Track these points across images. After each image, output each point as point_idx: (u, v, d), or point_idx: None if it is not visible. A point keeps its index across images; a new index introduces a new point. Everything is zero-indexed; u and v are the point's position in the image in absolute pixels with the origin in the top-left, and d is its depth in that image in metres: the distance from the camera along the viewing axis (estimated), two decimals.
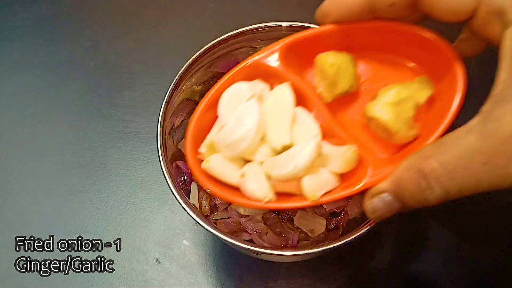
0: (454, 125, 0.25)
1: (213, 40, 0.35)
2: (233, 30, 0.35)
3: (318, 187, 0.27)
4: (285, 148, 0.28)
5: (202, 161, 0.30)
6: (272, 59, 0.29)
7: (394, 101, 0.27)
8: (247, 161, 0.29)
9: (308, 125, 0.28)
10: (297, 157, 0.26)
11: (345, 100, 0.30)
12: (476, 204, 0.41)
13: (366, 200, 0.26)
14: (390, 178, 0.24)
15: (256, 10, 0.54)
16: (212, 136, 0.30)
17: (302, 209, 0.37)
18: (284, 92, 0.29)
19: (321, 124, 0.28)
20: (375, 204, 0.25)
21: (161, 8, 0.56)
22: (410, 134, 0.27)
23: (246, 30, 0.35)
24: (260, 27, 0.35)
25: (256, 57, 0.30)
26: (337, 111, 0.30)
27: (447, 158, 0.21)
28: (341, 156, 0.27)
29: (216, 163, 0.29)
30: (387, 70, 0.30)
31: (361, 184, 0.26)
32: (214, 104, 0.30)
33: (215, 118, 0.31)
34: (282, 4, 0.53)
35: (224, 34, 0.35)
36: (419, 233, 0.42)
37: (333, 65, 0.28)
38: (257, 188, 0.28)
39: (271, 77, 0.30)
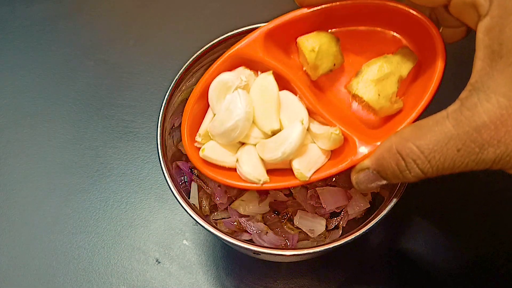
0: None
1: (213, 40, 0.35)
2: (233, 30, 0.35)
3: (307, 168, 0.29)
4: (275, 131, 0.29)
5: (199, 149, 0.31)
6: (254, 46, 0.30)
7: (376, 79, 0.28)
8: (242, 143, 0.31)
9: (295, 108, 0.30)
10: (285, 143, 0.28)
11: (331, 75, 0.31)
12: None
13: (353, 174, 0.27)
14: (373, 156, 0.26)
15: (256, 10, 0.54)
16: (205, 125, 0.32)
17: (302, 209, 0.37)
18: (267, 80, 0.30)
19: (306, 105, 0.30)
20: (360, 178, 0.27)
21: (161, 8, 0.56)
22: (394, 108, 0.28)
23: (246, 30, 0.35)
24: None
25: (238, 46, 0.31)
26: (323, 87, 0.31)
27: (425, 142, 0.23)
28: (326, 136, 0.28)
29: (212, 151, 0.31)
30: (370, 42, 0.31)
31: (347, 162, 0.28)
32: (204, 94, 0.31)
33: (206, 106, 0.32)
34: (282, 4, 0.53)
35: (224, 34, 0.35)
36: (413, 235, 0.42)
37: (313, 50, 0.29)
38: (252, 171, 0.29)
39: (255, 64, 0.31)
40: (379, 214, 0.31)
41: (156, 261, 0.42)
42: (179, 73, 0.35)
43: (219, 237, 0.31)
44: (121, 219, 0.44)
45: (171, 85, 0.35)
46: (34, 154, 0.47)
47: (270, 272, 0.41)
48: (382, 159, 0.25)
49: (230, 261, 0.41)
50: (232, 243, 0.31)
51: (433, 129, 0.23)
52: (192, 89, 0.37)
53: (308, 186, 0.38)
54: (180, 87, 0.36)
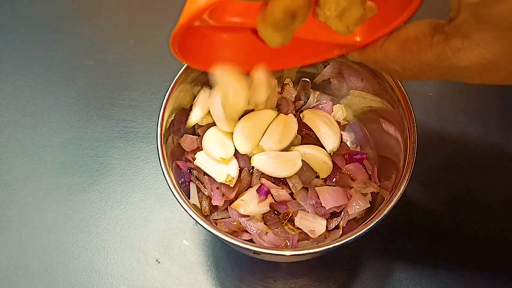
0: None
1: None
2: None
3: None
4: None
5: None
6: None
7: (337, 14, 0.26)
8: None
9: None
10: None
11: None
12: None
13: (346, 55, 0.31)
14: (361, 56, 0.29)
15: None
16: None
17: (303, 209, 0.37)
18: None
19: None
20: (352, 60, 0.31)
21: (161, 8, 0.56)
22: (367, 18, 0.27)
23: None
24: None
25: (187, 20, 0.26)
26: None
27: (409, 67, 0.25)
28: None
29: None
30: None
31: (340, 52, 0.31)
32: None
33: None
34: None
35: None
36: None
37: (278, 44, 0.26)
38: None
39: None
40: (379, 214, 0.31)
41: (156, 261, 0.42)
42: (179, 73, 0.35)
43: (219, 237, 0.31)
44: (121, 219, 0.44)
45: (171, 85, 0.35)
46: (34, 154, 0.47)
47: (270, 272, 0.41)
48: (368, 62, 0.28)
49: (230, 261, 0.41)
50: (232, 243, 0.31)
51: (416, 57, 0.24)
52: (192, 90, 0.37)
53: (308, 185, 0.38)
54: (180, 87, 0.36)
